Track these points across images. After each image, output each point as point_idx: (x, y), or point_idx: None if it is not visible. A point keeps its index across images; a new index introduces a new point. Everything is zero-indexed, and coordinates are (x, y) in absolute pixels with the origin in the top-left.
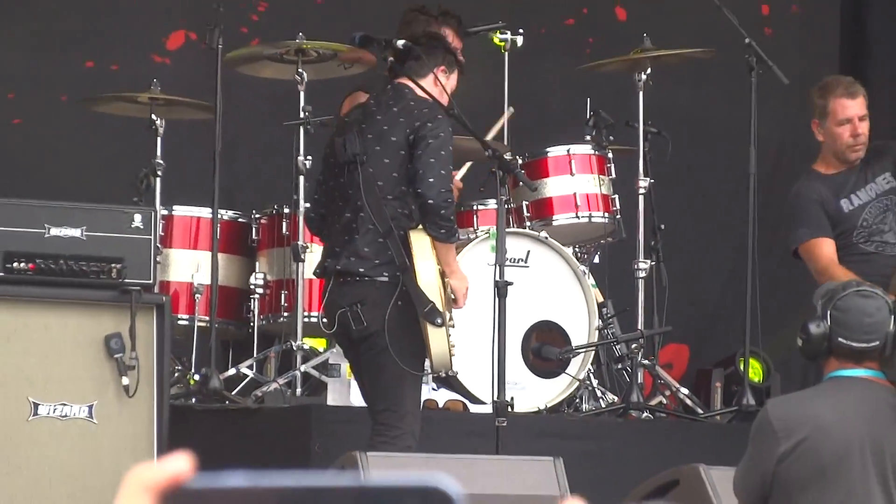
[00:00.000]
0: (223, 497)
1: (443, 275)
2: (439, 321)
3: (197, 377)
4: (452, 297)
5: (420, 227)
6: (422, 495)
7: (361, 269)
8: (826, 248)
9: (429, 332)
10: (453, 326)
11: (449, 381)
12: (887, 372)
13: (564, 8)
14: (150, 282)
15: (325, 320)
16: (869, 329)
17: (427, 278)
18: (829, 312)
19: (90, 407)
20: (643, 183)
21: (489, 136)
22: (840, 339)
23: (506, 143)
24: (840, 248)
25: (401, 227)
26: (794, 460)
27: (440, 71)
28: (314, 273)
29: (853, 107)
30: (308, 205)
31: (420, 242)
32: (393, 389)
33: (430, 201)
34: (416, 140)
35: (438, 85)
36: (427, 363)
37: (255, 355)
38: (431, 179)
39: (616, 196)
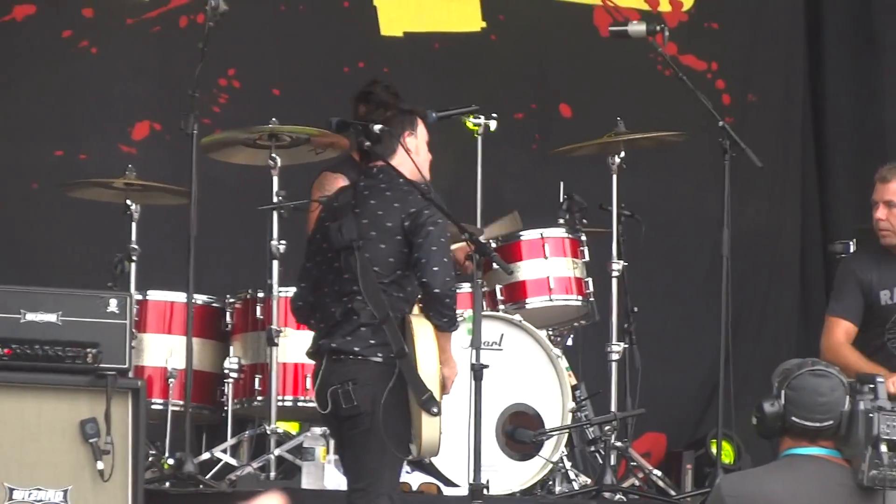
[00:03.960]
0: None
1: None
2: (435, 410)
3: (171, 461)
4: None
5: (419, 312)
6: None
7: (356, 349)
8: (839, 330)
9: (423, 419)
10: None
11: (422, 463)
12: (843, 450)
13: (541, 94)
14: (126, 366)
15: (316, 400)
16: (822, 409)
17: (428, 366)
18: (783, 391)
19: (65, 491)
20: (616, 266)
21: (490, 234)
22: (794, 418)
23: (479, 225)
24: (868, 344)
25: (397, 309)
26: None
27: (406, 137)
28: (306, 353)
29: (880, 191)
30: (294, 291)
31: (422, 329)
32: (372, 470)
33: (436, 290)
34: (414, 227)
35: (409, 154)
36: (413, 448)
37: (228, 439)
38: (436, 269)
39: (589, 279)
